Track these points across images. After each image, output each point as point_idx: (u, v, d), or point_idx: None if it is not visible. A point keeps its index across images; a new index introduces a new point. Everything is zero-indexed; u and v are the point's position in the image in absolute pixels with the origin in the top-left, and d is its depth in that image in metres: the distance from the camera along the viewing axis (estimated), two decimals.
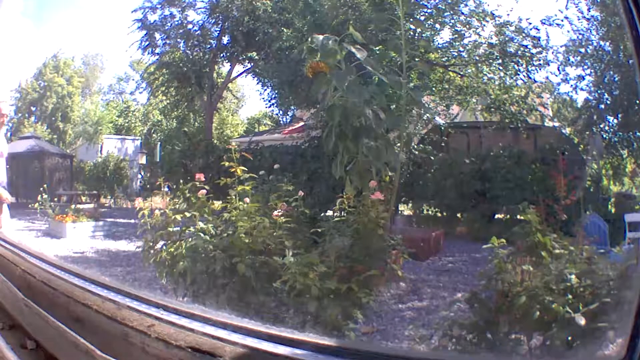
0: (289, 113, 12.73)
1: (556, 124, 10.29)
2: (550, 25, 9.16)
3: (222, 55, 12.50)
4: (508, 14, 9.28)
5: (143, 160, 14.20)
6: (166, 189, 4.20)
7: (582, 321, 2.06)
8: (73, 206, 8.50)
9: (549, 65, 9.51)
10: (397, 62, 5.86)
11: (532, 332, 2.30)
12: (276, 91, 11.35)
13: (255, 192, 3.82)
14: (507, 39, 9.39)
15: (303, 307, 3.00)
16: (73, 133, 17.45)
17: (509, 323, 2.34)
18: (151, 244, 3.57)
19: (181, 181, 3.96)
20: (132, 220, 6.98)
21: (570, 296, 2.20)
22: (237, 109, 17.00)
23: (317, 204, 6.90)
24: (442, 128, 9.55)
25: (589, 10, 9.05)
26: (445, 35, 9.67)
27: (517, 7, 11.96)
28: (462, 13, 9.42)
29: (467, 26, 9.46)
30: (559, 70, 9.60)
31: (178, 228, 3.55)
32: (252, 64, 12.49)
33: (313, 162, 8.83)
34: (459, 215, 8.49)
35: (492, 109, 9.69)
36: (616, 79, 9.01)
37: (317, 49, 4.31)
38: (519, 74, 9.66)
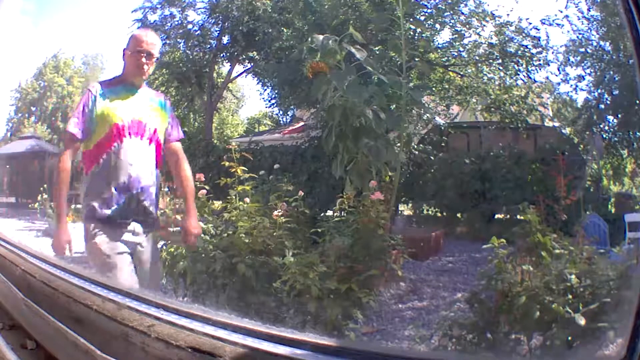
0: (289, 113, 12.72)
1: (556, 124, 10.29)
2: (550, 25, 9.17)
3: (222, 55, 12.49)
4: (508, 14, 9.29)
5: None
6: (166, 189, 4.19)
7: (582, 321, 2.06)
8: (73, 206, 8.49)
9: (549, 65, 9.51)
10: (397, 62, 5.86)
11: (532, 332, 2.30)
12: (276, 91, 11.34)
13: (255, 192, 3.83)
14: (507, 39, 9.39)
15: (303, 307, 3.00)
16: None
17: (509, 323, 2.34)
18: None
19: None
20: None
21: (570, 296, 2.20)
22: (237, 109, 16.99)
23: (317, 204, 6.90)
24: (442, 128, 9.55)
25: (589, 10, 9.05)
26: (445, 35, 9.68)
27: (517, 7, 11.97)
28: (462, 13, 9.42)
29: (467, 26, 9.46)
30: (559, 70, 9.61)
31: (178, 228, 3.55)
32: (252, 64, 12.48)
33: (313, 162, 8.82)
34: (459, 215, 8.49)
35: (492, 109, 9.69)
36: (616, 78, 9.01)
37: (317, 49, 4.31)
38: (519, 74, 9.66)
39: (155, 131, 2.26)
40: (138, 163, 2.17)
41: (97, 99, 2.21)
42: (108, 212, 2.15)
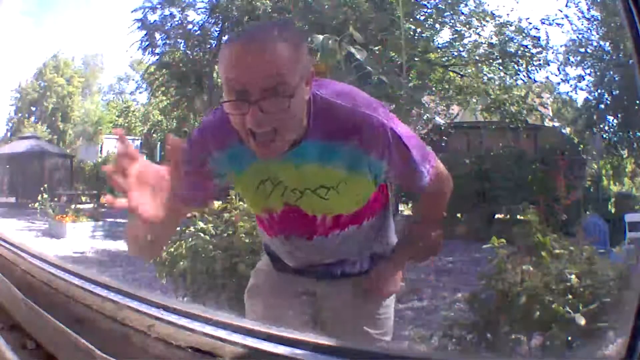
0: None
1: (556, 124, 10.31)
2: (550, 25, 9.20)
3: None
4: (508, 14, 9.31)
5: None
6: None
7: (582, 321, 2.06)
8: (73, 206, 8.50)
9: (549, 65, 9.55)
10: (397, 62, 5.86)
11: (532, 332, 2.30)
12: None
13: None
14: (507, 39, 9.40)
15: None
16: (73, 133, 17.48)
17: (509, 323, 2.34)
18: None
19: None
20: None
21: (570, 296, 2.20)
22: None
23: None
24: (442, 128, 9.56)
25: (589, 10, 9.07)
26: (445, 35, 9.70)
27: (517, 7, 12.01)
28: (462, 13, 9.43)
29: (467, 26, 9.47)
30: (559, 70, 9.65)
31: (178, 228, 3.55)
32: None
33: None
34: (459, 215, 8.49)
35: (492, 109, 9.71)
36: (616, 79, 9.02)
37: (317, 49, 4.30)
38: (519, 74, 9.68)
39: (346, 221, 1.17)
40: (319, 256, 1.24)
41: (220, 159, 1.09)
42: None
